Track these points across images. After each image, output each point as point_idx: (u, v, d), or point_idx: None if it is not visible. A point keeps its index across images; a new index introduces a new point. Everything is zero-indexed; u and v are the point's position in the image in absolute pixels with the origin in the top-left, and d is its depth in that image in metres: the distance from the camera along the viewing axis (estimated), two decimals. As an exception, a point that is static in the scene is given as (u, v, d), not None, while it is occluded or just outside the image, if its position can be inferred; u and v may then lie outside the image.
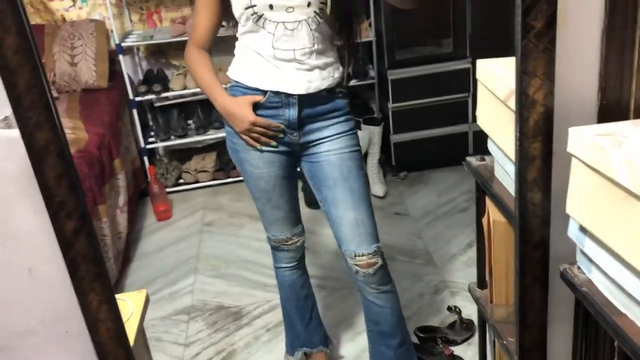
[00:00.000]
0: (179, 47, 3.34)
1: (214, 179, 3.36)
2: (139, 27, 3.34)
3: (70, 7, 3.26)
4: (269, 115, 1.55)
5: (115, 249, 2.55)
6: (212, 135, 3.29)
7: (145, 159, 3.27)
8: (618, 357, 0.95)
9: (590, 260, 0.92)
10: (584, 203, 0.89)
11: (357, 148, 1.62)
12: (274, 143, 1.58)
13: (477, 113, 1.28)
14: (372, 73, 3.19)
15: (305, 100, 1.54)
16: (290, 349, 1.98)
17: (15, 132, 0.85)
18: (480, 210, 1.35)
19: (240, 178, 2.41)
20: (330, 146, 1.59)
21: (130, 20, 3.31)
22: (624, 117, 0.92)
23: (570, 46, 0.89)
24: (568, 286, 0.97)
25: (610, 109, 0.92)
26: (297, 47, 1.48)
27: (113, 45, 3.12)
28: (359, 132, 3.04)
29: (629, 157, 0.76)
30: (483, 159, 1.34)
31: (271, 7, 1.44)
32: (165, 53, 3.40)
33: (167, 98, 3.24)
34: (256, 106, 1.54)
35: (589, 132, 0.84)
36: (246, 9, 1.45)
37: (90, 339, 0.96)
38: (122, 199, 2.79)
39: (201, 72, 1.58)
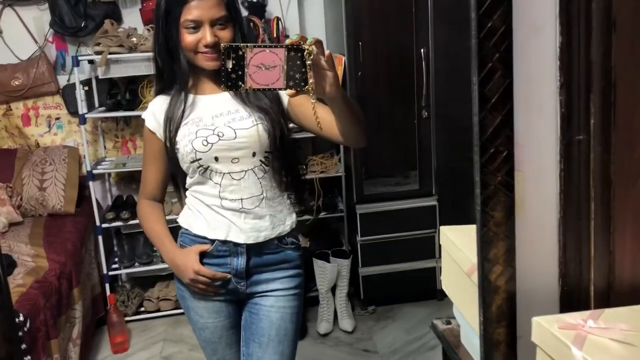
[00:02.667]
0: (150, 174, 3.37)
1: (176, 308, 3.24)
2: (112, 154, 3.36)
3: (45, 132, 3.30)
4: (217, 264, 1.53)
5: (63, 388, 2.38)
6: (178, 263, 3.21)
7: (107, 285, 3.16)
8: None
9: None
10: (551, 395, 0.87)
11: (299, 309, 1.59)
12: (222, 291, 1.55)
13: (442, 278, 1.28)
14: (342, 206, 3.24)
15: (254, 250, 1.52)
16: None
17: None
18: (448, 378, 1.31)
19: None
20: (275, 302, 1.55)
21: (105, 147, 3.34)
22: (585, 303, 0.93)
23: (530, 234, 0.91)
24: None
25: (572, 295, 0.93)
26: (245, 196, 1.49)
27: (85, 171, 3.12)
28: (328, 265, 3.06)
29: None
30: (449, 322, 1.32)
31: (216, 159, 1.47)
32: (137, 180, 3.41)
33: (134, 225, 3.20)
34: (204, 255, 1.52)
35: (551, 324, 0.84)
36: (192, 162, 1.48)
37: None
38: (76, 331, 2.65)
39: (151, 226, 1.61)
